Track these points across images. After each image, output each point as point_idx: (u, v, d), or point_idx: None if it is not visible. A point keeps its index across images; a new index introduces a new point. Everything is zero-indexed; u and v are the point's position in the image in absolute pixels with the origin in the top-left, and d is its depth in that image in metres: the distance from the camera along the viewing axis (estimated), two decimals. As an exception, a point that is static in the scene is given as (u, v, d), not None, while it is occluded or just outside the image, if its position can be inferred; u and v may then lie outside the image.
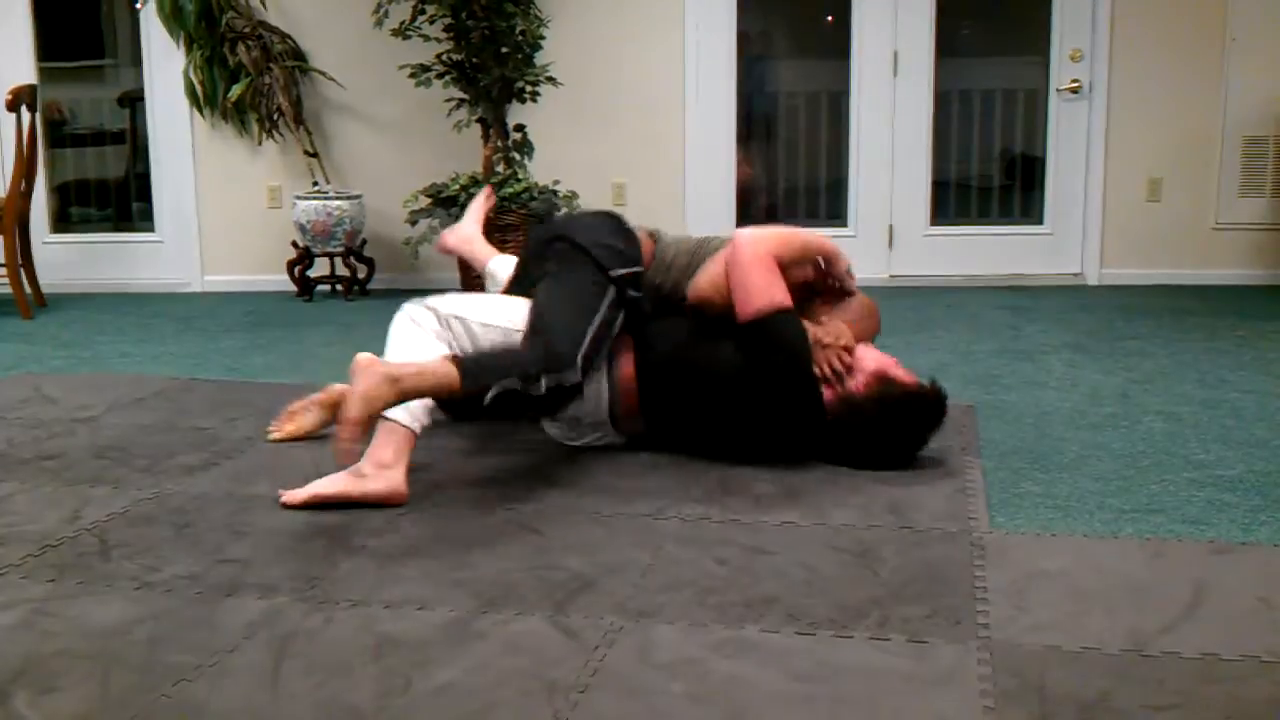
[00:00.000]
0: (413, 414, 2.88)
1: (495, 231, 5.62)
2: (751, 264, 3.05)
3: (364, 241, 6.41)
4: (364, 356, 2.71)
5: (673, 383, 3.13)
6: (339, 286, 6.35)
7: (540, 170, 6.05)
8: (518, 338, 2.99)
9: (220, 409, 3.77)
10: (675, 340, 3.18)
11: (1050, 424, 3.50)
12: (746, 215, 6.39)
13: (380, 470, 2.84)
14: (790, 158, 6.71)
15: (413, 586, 2.33)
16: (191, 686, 1.92)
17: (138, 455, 3.27)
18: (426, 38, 5.83)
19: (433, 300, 3.06)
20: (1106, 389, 3.94)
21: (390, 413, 2.80)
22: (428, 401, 2.84)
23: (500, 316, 3.07)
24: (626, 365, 3.14)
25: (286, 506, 2.82)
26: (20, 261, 5.89)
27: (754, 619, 2.15)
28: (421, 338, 2.99)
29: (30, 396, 4.00)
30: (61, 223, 7.09)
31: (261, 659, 2.02)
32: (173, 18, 6.29)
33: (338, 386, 3.38)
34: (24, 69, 6.71)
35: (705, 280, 3.19)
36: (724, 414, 3.09)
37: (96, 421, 3.64)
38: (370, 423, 2.68)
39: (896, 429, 3.04)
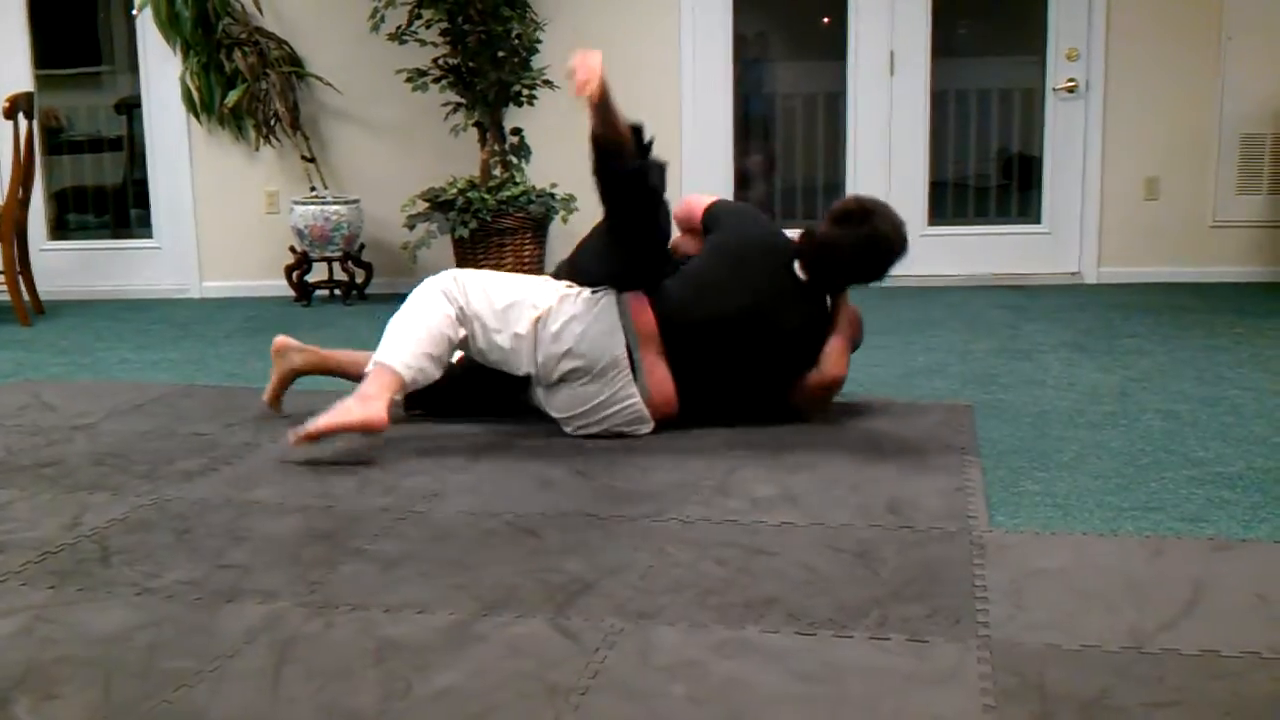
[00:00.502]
0: (404, 361, 3.22)
1: (493, 235, 5.65)
2: (693, 199, 3.69)
3: (362, 246, 6.42)
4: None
5: (682, 288, 3.40)
6: (337, 291, 6.35)
7: (537, 174, 6.05)
8: (521, 345, 3.34)
9: (219, 414, 3.77)
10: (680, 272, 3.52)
11: (1049, 423, 3.51)
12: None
13: (363, 402, 3.16)
14: (788, 159, 6.72)
15: (413, 590, 2.33)
16: (192, 692, 1.92)
17: (137, 461, 3.27)
18: (423, 42, 5.84)
19: (459, 294, 3.34)
20: (1105, 387, 3.94)
21: (381, 358, 3.23)
22: (420, 353, 3.24)
23: (511, 327, 3.32)
24: (638, 300, 3.37)
25: (298, 443, 3.15)
26: (18, 269, 5.89)
27: (754, 620, 2.15)
28: (434, 315, 3.31)
29: (29, 404, 4.00)
30: (59, 230, 7.10)
31: (262, 664, 2.02)
32: (169, 24, 6.29)
33: (280, 338, 3.69)
34: (21, 76, 6.71)
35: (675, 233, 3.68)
36: (726, 291, 3.40)
37: (95, 428, 3.64)
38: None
39: (857, 223, 3.41)
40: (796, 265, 3.45)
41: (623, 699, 1.87)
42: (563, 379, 3.33)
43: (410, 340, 3.26)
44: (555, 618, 2.18)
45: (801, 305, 3.46)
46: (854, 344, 3.62)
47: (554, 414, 3.40)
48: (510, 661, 2.01)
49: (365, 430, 3.16)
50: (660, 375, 3.35)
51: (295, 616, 2.21)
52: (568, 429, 3.39)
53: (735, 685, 1.91)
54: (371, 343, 3.38)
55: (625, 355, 3.30)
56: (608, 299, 3.36)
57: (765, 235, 3.58)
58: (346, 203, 6.20)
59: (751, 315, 3.38)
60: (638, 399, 3.33)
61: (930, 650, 2.02)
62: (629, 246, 3.39)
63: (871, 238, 3.40)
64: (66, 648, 2.10)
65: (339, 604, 2.27)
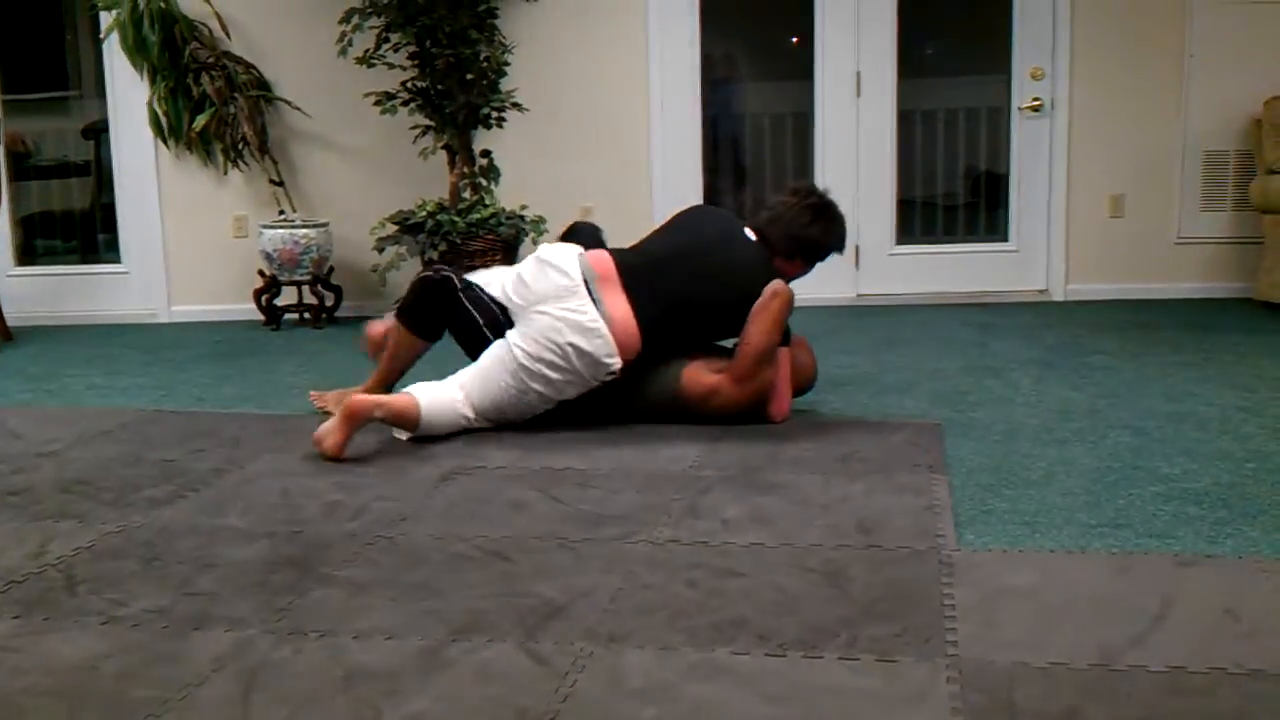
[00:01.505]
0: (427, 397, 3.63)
1: (464, 258, 5.64)
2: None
3: (331, 269, 6.41)
4: None
5: (639, 245, 3.88)
6: (307, 315, 6.33)
7: (507, 195, 6.06)
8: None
9: (187, 440, 3.75)
10: None
11: (1017, 440, 3.52)
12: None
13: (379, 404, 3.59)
14: (756, 179, 6.75)
15: (381, 616, 2.32)
16: (159, 722, 1.91)
17: (104, 489, 3.25)
18: (391, 65, 5.84)
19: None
20: (1073, 404, 3.96)
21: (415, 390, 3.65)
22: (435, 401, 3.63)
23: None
24: (593, 253, 3.76)
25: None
26: (-16, 295, 5.86)
27: (724, 641, 2.15)
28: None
29: (-5, 431, 3.97)
30: (27, 255, 7.06)
31: (230, 692, 2.01)
32: (136, 49, 6.28)
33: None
34: (-14, 102, 6.69)
35: None
36: (679, 231, 3.88)
37: (62, 455, 3.62)
38: None
39: (807, 194, 3.91)
40: (747, 230, 3.86)
41: (593, 723, 1.87)
42: (530, 302, 3.61)
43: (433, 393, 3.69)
44: (525, 642, 2.17)
45: (751, 251, 3.79)
46: (808, 384, 3.96)
47: (522, 340, 3.59)
48: (480, 687, 2.00)
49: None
50: (619, 304, 3.62)
51: (263, 643, 2.20)
52: (530, 362, 3.58)
53: (705, 708, 1.91)
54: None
55: (583, 284, 3.60)
56: (569, 246, 3.80)
57: (713, 208, 4.14)
58: (315, 226, 6.19)
59: (706, 245, 3.75)
60: (600, 321, 3.56)
61: (900, 670, 2.02)
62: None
63: (822, 204, 3.89)
64: (33, 678, 2.08)
65: (307, 630, 2.26)
